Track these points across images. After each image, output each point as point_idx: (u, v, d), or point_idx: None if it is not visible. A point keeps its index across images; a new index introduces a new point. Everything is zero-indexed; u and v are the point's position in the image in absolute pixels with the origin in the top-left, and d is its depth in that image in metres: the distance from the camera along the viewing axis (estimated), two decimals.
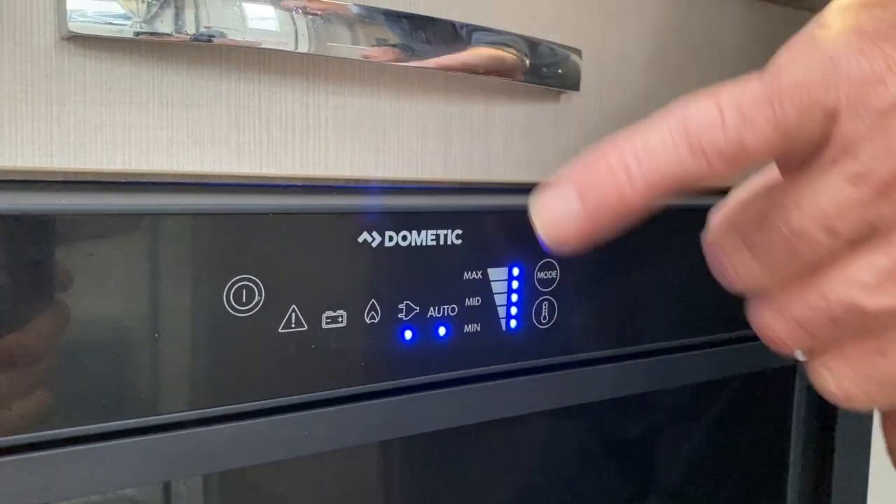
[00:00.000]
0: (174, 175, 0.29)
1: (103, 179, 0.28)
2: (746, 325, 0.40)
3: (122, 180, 0.28)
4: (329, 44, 0.29)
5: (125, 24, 0.25)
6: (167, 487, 0.27)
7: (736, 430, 0.43)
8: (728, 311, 0.39)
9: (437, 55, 0.31)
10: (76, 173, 0.27)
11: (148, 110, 0.28)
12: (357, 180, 0.33)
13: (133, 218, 0.23)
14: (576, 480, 0.37)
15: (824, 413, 0.45)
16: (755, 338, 0.41)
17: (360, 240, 0.27)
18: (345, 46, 0.29)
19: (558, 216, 0.24)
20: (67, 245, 0.22)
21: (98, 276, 0.23)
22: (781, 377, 0.44)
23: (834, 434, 0.44)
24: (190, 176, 0.29)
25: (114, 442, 0.24)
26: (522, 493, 0.35)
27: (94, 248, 0.23)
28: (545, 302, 0.32)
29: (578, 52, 0.37)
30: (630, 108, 0.40)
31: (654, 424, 0.40)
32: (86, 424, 0.23)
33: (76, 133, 0.27)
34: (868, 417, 0.46)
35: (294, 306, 0.26)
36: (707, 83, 0.43)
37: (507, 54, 0.33)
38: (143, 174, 0.28)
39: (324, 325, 0.27)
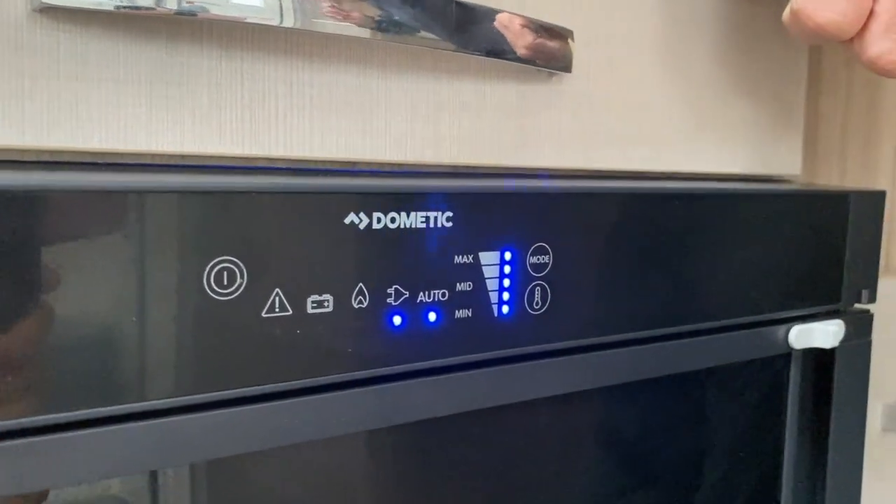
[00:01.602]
0: (153, 155, 0.28)
1: (78, 160, 0.27)
2: (746, 312, 0.39)
3: (99, 161, 0.27)
4: (315, 20, 0.28)
5: None
6: (153, 477, 0.26)
7: (731, 417, 0.43)
8: (725, 297, 0.38)
9: (426, 33, 0.30)
10: (50, 152, 0.26)
11: (126, 87, 0.27)
12: (343, 163, 0.32)
13: (108, 196, 0.22)
14: (567, 470, 0.36)
15: (819, 401, 0.44)
16: (754, 325, 0.40)
17: (347, 221, 0.26)
18: (331, 22, 0.28)
19: None
20: (38, 226, 0.21)
21: (72, 258, 0.22)
22: (777, 365, 0.44)
23: (829, 421, 0.44)
24: (170, 156, 0.28)
25: (90, 430, 0.23)
26: (513, 483, 0.34)
27: (67, 230, 0.22)
28: (538, 287, 0.31)
29: (570, 34, 0.36)
30: (622, 90, 0.39)
31: (648, 413, 0.39)
32: (60, 412, 0.22)
33: (49, 109, 0.25)
34: (862, 405, 0.46)
35: (278, 290, 0.25)
36: (696, 65, 0.42)
37: (499, 34, 0.32)
38: (120, 154, 0.27)
39: (309, 310, 0.26)
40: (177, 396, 0.24)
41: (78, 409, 0.23)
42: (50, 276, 0.21)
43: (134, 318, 0.23)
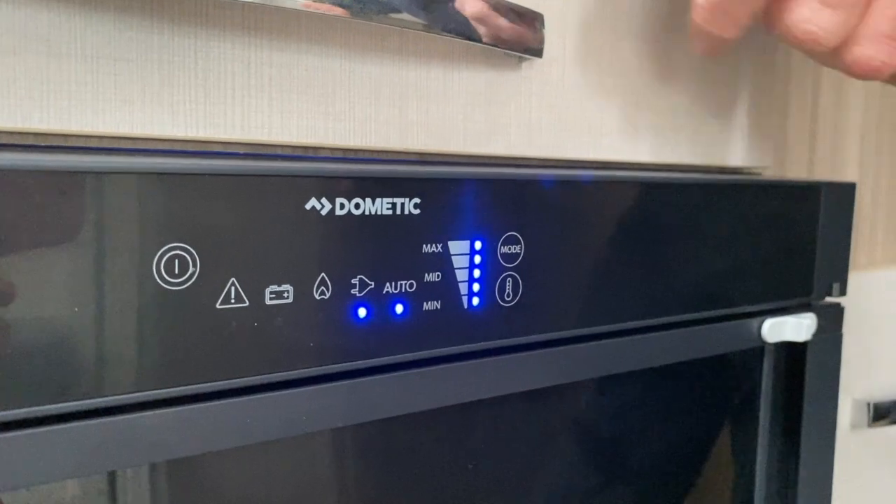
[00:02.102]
0: (100, 137, 0.26)
1: (16, 142, 0.25)
2: (718, 305, 0.39)
3: (40, 143, 0.25)
4: None
5: None
6: (112, 478, 0.24)
7: (705, 412, 0.42)
8: (699, 289, 0.37)
9: (391, 12, 0.29)
10: None
11: (69, 63, 0.25)
12: (304, 147, 0.30)
13: (48, 177, 0.20)
14: (534, 467, 0.35)
15: (790, 395, 0.44)
16: (726, 318, 0.39)
17: (308, 206, 0.25)
18: None
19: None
20: None
21: (8, 245, 0.20)
22: (750, 359, 0.43)
23: (801, 415, 0.43)
24: (118, 138, 0.26)
25: (35, 430, 0.21)
26: (481, 481, 0.33)
27: (2, 215, 0.20)
28: (509, 278, 0.30)
29: (541, 18, 0.34)
30: (595, 77, 0.38)
31: (622, 408, 0.38)
32: (3, 410, 0.20)
33: None
34: (833, 399, 0.45)
35: (233, 279, 0.23)
36: (670, 52, 0.41)
37: (467, 15, 0.31)
38: (63, 134, 0.25)
39: (267, 301, 0.24)
40: (127, 393, 0.22)
41: (21, 407, 0.21)
42: None
43: (76, 309, 0.21)
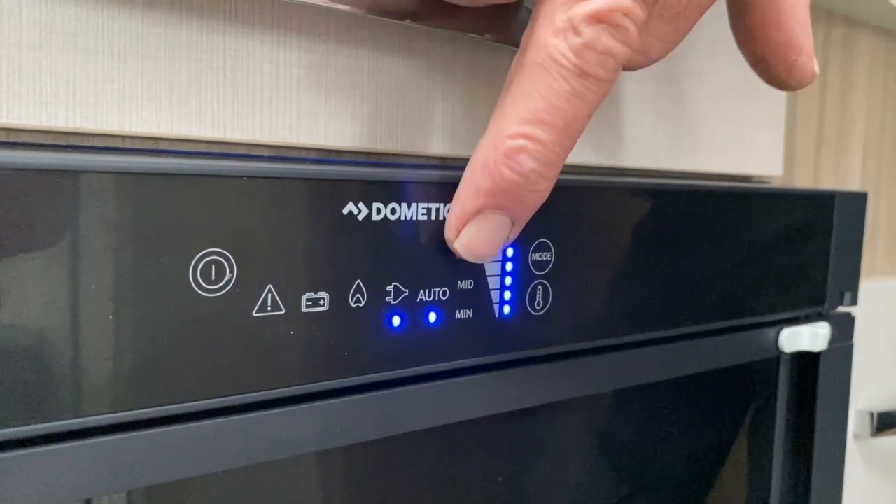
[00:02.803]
0: (126, 136, 0.25)
1: (40, 140, 0.24)
2: (736, 314, 0.38)
3: (63, 142, 0.24)
4: None
5: None
6: (129, 498, 0.23)
7: (723, 424, 0.41)
8: (720, 298, 0.37)
9: (420, 17, 0.28)
10: (7, 130, 0.23)
11: (96, 59, 0.24)
12: (329, 151, 0.29)
13: (79, 177, 0.19)
14: (557, 476, 0.34)
15: (802, 405, 0.43)
16: (742, 328, 0.39)
17: (346, 211, 0.24)
18: None
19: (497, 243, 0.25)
20: None
21: (38, 246, 0.19)
22: (766, 369, 0.42)
23: (814, 425, 0.43)
24: (144, 138, 0.25)
25: (64, 445, 0.20)
26: (511, 492, 0.32)
27: (30, 214, 0.19)
28: (539, 286, 0.29)
29: None
30: None
31: (641, 418, 0.37)
32: (23, 426, 0.19)
33: (9, 82, 0.22)
34: (844, 409, 0.45)
35: (270, 286, 0.22)
36: (681, 62, 0.40)
37: (501, 15, 0.30)
38: (89, 133, 0.24)
39: (304, 309, 0.23)
40: (166, 405, 0.21)
41: (51, 421, 0.20)
42: (13, 266, 0.19)
43: (110, 317, 0.20)
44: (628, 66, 0.28)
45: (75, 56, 0.23)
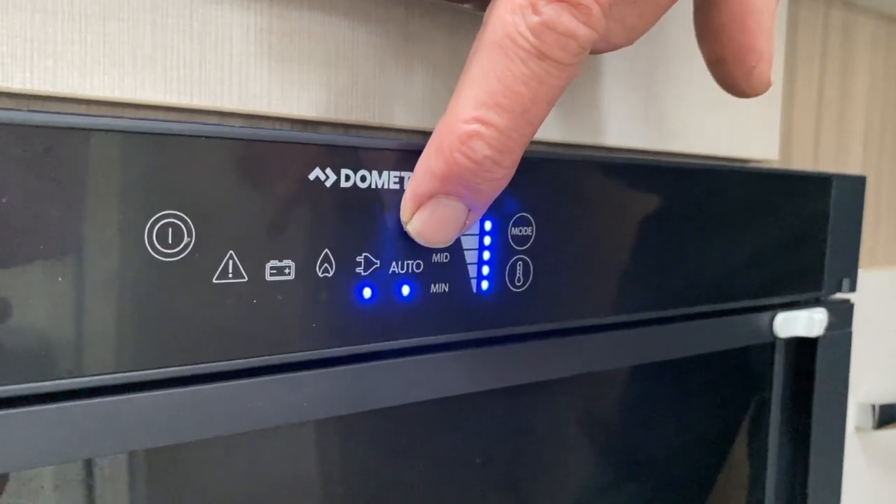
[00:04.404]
0: (87, 99, 0.24)
1: None
2: (729, 297, 0.37)
3: (23, 107, 0.24)
4: None
5: None
6: (89, 465, 0.22)
7: (716, 409, 0.40)
8: (712, 280, 0.36)
9: None
10: None
11: (56, 20, 0.23)
12: (304, 122, 0.29)
13: (33, 132, 0.19)
14: (541, 460, 0.33)
15: (799, 393, 0.42)
16: (737, 311, 0.38)
17: (312, 177, 0.23)
18: None
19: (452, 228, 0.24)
20: None
21: None
22: (761, 354, 0.41)
23: (811, 414, 0.42)
24: (106, 102, 0.25)
25: (9, 410, 0.19)
26: (487, 474, 0.31)
27: None
28: (519, 262, 0.28)
29: None
30: (605, 61, 0.37)
31: (632, 403, 0.36)
32: None
33: None
34: (843, 397, 0.44)
35: (232, 252, 0.22)
36: (678, 42, 0.39)
37: None
38: (48, 97, 0.24)
39: (268, 277, 0.22)
40: (113, 373, 0.20)
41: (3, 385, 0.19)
42: None
43: (60, 279, 0.19)
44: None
45: (33, 16, 0.23)
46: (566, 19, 0.21)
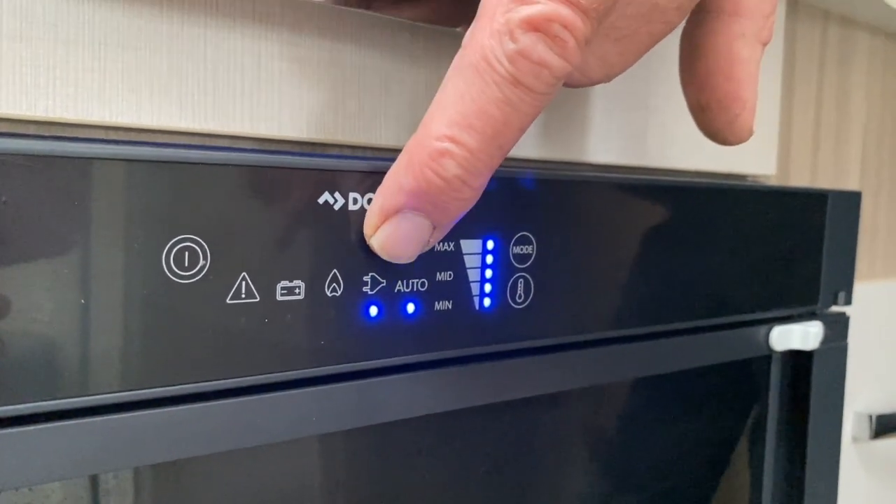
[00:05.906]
0: (106, 126, 0.25)
1: (20, 130, 0.24)
2: (726, 312, 0.38)
3: (45, 133, 0.25)
4: None
5: None
6: (95, 482, 0.23)
7: (715, 423, 0.41)
8: (710, 295, 0.36)
9: (402, 8, 0.28)
10: None
11: (77, 50, 0.24)
12: (313, 144, 0.30)
13: (52, 163, 0.20)
14: (541, 472, 0.34)
15: (795, 406, 0.43)
16: (733, 325, 0.39)
17: (321, 201, 0.24)
18: None
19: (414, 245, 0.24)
20: None
21: (13, 233, 0.19)
22: (758, 368, 0.42)
23: (807, 426, 0.42)
24: (124, 128, 0.26)
25: (28, 427, 0.20)
26: (489, 487, 0.32)
27: (8, 201, 0.19)
28: (521, 279, 0.29)
29: None
30: None
31: (631, 416, 0.37)
32: None
33: None
34: (838, 410, 0.45)
35: (244, 274, 0.23)
36: (676, 57, 0.40)
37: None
38: (69, 123, 0.25)
39: (279, 297, 0.23)
40: (137, 389, 0.21)
41: (17, 403, 0.20)
42: None
43: (83, 301, 0.20)
44: (566, 83, 0.26)
45: (55, 47, 0.24)
46: (541, 49, 0.21)
